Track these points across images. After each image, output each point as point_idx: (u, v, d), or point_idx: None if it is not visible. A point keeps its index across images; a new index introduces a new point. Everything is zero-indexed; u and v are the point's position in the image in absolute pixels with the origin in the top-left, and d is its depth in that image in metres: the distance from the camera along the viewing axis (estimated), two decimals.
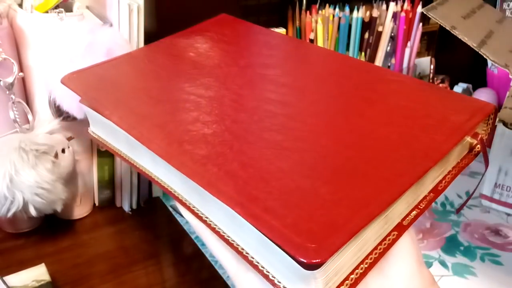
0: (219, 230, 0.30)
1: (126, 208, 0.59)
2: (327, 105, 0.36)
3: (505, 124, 0.42)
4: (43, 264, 0.47)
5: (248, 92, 0.38)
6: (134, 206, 0.60)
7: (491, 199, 0.59)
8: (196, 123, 0.34)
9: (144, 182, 0.60)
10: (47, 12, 0.50)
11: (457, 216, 0.59)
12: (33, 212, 0.47)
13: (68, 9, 0.52)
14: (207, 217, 0.31)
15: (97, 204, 0.60)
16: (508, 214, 0.59)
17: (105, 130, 0.40)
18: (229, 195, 0.27)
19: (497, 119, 0.42)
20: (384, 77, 0.39)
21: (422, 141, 0.31)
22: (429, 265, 0.51)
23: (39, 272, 0.46)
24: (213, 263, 0.52)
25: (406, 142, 0.31)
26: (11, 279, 0.44)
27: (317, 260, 0.23)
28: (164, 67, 0.43)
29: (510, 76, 0.47)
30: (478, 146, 0.35)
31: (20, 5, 0.52)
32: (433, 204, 0.61)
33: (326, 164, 0.30)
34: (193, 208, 0.32)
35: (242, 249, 0.29)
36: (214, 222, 0.31)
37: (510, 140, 0.55)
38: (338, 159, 0.30)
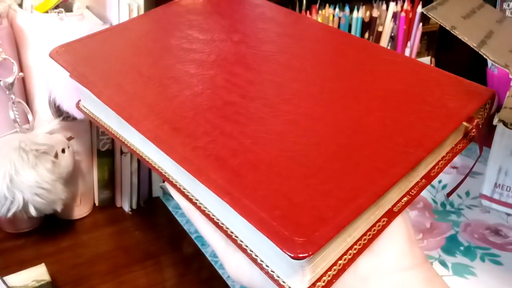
0: (208, 213, 0.30)
1: (126, 208, 0.59)
2: (322, 87, 0.35)
3: (505, 124, 0.42)
4: (43, 264, 0.46)
5: (241, 71, 0.36)
6: (134, 206, 0.60)
7: (491, 199, 0.59)
8: (188, 103, 0.33)
9: (144, 182, 0.60)
10: (47, 12, 0.50)
11: (457, 216, 0.59)
12: (33, 212, 0.47)
13: (68, 9, 0.52)
14: (197, 200, 0.31)
15: (97, 204, 0.60)
16: (508, 214, 0.59)
17: (96, 106, 0.39)
18: (218, 184, 0.27)
19: (497, 119, 0.42)
20: (382, 57, 0.38)
21: (416, 128, 0.30)
22: None
23: (39, 272, 0.46)
24: (213, 263, 0.52)
25: (401, 129, 0.30)
26: (11, 279, 0.44)
27: (304, 255, 0.23)
28: (156, 41, 0.41)
29: (510, 76, 0.47)
30: (474, 131, 0.34)
31: (20, 5, 0.52)
32: (433, 204, 0.61)
33: (318, 151, 0.29)
34: (183, 190, 0.32)
35: (232, 232, 0.28)
36: (204, 205, 0.30)
37: (510, 140, 0.55)
38: (331, 146, 0.29)
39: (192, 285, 0.49)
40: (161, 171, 0.33)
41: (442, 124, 0.31)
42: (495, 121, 0.43)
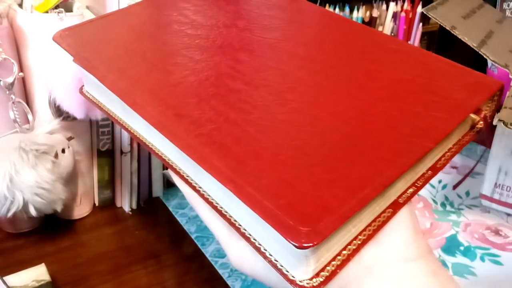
0: (212, 200, 0.30)
1: (126, 208, 0.59)
2: (327, 76, 0.34)
3: (505, 124, 0.42)
4: (43, 264, 0.46)
5: (246, 58, 0.36)
6: (134, 206, 0.60)
7: (491, 199, 0.59)
8: (192, 90, 0.33)
9: (144, 182, 0.60)
10: (47, 12, 0.50)
11: (457, 216, 0.59)
12: (33, 212, 0.47)
13: (68, 9, 0.52)
14: (200, 187, 0.31)
15: (97, 204, 0.60)
16: (508, 214, 0.59)
17: (99, 91, 0.39)
18: (221, 171, 0.26)
19: (497, 119, 0.42)
20: (388, 46, 0.37)
21: (423, 118, 0.30)
22: None
23: (39, 272, 0.46)
24: (213, 263, 0.52)
25: (407, 119, 0.30)
26: (11, 279, 0.44)
27: (309, 244, 0.22)
28: (160, 26, 0.41)
29: (510, 76, 0.47)
30: (481, 123, 0.33)
31: (20, 5, 0.52)
32: (433, 204, 0.61)
33: (323, 140, 0.28)
34: (187, 178, 0.31)
35: (235, 220, 0.28)
36: (208, 193, 0.30)
37: (510, 140, 0.55)
38: (336, 135, 0.29)
39: (192, 285, 0.49)
40: (164, 158, 0.33)
41: (449, 115, 0.30)
42: (495, 121, 0.43)
